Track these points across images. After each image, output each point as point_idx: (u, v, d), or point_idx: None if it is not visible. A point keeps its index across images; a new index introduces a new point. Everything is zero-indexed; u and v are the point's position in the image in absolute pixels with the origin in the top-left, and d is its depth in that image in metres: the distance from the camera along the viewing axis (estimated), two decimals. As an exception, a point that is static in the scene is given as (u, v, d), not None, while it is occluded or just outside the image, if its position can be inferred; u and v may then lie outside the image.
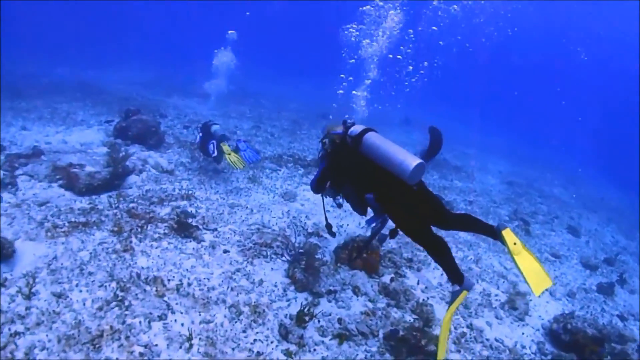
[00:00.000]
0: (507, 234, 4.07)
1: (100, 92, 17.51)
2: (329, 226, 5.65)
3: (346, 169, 4.89)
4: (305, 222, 8.55)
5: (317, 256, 6.78)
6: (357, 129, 4.75)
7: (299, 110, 22.16)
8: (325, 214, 5.70)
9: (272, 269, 6.52)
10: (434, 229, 4.53)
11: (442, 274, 7.95)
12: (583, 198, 19.13)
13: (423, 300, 6.80)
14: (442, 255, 4.30)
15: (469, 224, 4.58)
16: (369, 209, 4.98)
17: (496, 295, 7.88)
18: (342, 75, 9.35)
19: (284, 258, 6.81)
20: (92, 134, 11.34)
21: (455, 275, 4.16)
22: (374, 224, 4.99)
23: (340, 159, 4.97)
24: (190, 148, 11.51)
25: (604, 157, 34.42)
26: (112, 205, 7.36)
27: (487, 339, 6.48)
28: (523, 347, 6.64)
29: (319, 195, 5.56)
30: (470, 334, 6.47)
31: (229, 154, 9.30)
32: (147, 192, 8.27)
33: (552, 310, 8.12)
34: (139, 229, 6.71)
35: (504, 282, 8.56)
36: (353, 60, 9.44)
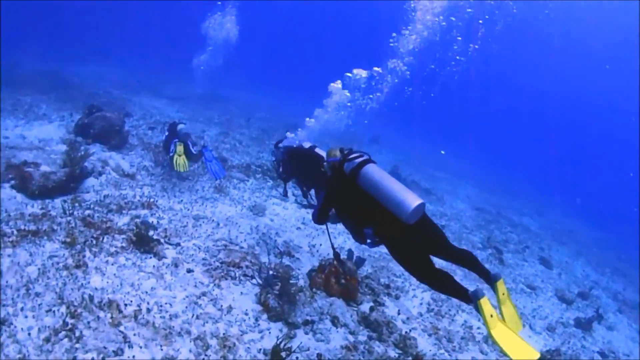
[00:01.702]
0: (500, 284, 4.08)
1: (68, 86, 16.43)
2: (337, 255, 5.40)
3: (344, 200, 4.66)
4: (275, 240, 7.91)
5: (291, 281, 6.14)
6: (355, 159, 4.52)
7: (269, 119, 21.70)
8: (331, 243, 5.41)
9: (241, 293, 5.80)
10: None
11: (421, 303, 7.60)
12: (552, 229, 19.28)
13: (406, 332, 6.31)
14: (446, 287, 4.10)
15: (468, 262, 4.41)
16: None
17: (478, 328, 7.51)
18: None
19: (254, 281, 6.14)
20: (52, 130, 10.38)
21: (464, 297, 3.89)
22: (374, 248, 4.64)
23: (338, 188, 4.71)
24: (154, 151, 10.72)
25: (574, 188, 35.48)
26: (66, 212, 6.50)
27: (474, 379, 6.10)
28: None
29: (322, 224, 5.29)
30: None
31: (180, 155, 8.93)
32: (105, 198, 7.44)
33: (534, 344, 7.87)
34: (94, 241, 5.88)
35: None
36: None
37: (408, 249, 4.22)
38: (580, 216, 27.36)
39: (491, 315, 3.65)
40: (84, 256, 5.47)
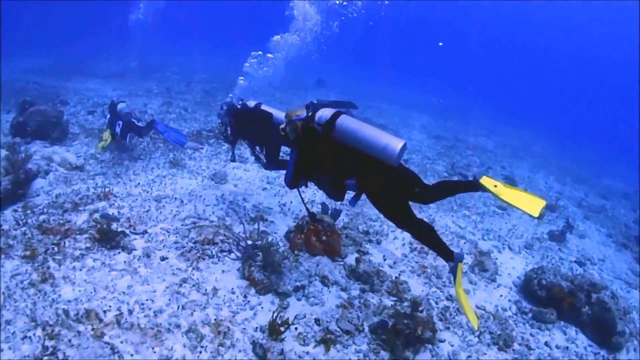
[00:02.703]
0: (485, 181, 4.08)
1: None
2: (312, 216, 5.36)
3: (319, 157, 4.53)
4: (244, 206, 7.57)
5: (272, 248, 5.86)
6: (325, 113, 4.33)
7: (209, 80, 20.83)
8: (305, 205, 5.30)
9: (222, 271, 5.50)
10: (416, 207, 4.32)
11: (403, 244, 7.53)
12: (508, 146, 19.64)
13: (396, 277, 6.23)
14: (428, 236, 4.25)
15: (448, 188, 4.53)
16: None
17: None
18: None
19: (232, 255, 5.83)
20: (-14, 137, 9.41)
21: (445, 253, 4.14)
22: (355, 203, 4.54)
23: (310, 146, 4.56)
24: (99, 136, 9.94)
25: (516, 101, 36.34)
26: (20, 222, 5.85)
27: (469, 309, 6.09)
28: (504, 309, 6.46)
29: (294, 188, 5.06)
30: (452, 307, 6.05)
31: (105, 140, 8.90)
32: (58, 198, 6.77)
33: (517, 265, 8.02)
34: (56, 248, 5.34)
35: (464, 242, 8.26)
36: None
37: (393, 195, 4.23)
38: (532, 129, 28.09)
39: (495, 186, 3.97)
40: (48, 267, 4.97)
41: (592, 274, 8.52)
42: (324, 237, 6.27)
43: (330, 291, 5.62)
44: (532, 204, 3.93)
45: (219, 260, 5.72)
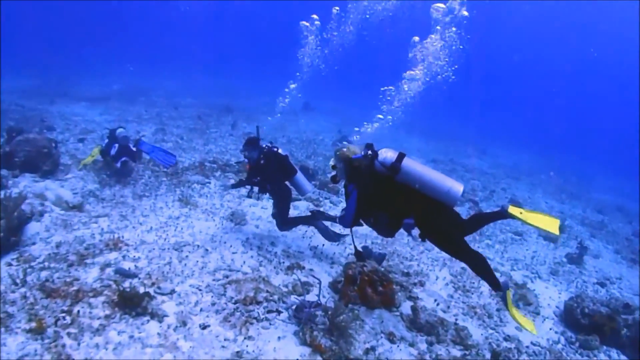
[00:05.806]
0: (512, 209, 4.48)
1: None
2: (358, 254, 5.29)
3: (380, 197, 4.58)
4: (275, 252, 6.58)
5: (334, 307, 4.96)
6: (390, 154, 4.46)
7: (197, 105, 20.08)
8: (354, 243, 5.30)
9: (278, 337, 4.44)
10: None
11: (446, 284, 6.81)
12: (502, 167, 19.32)
13: (455, 324, 5.50)
14: (483, 266, 4.40)
15: (482, 219, 4.91)
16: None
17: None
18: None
19: (283, 316, 4.85)
20: (-31, 171, 8.06)
21: (494, 284, 4.38)
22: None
23: (371, 186, 4.59)
24: (94, 168, 8.83)
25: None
26: (17, 282, 4.55)
27: (527, 347, 5.65)
28: (555, 342, 5.98)
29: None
30: (513, 347, 5.53)
31: (92, 156, 8.60)
32: (59, 247, 5.52)
33: (552, 293, 7.56)
34: (67, 318, 4.10)
35: (500, 276, 7.51)
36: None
37: (454, 232, 4.45)
38: (517, 145, 28.02)
39: (521, 212, 4.43)
40: (63, 346, 3.73)
41: (614, 293, 8.20)
42: (381, 288, 5.41)
43: (400, 349, 4.76)
44: (551, 224, 4.35)
45: (270, 324, 4.65)
